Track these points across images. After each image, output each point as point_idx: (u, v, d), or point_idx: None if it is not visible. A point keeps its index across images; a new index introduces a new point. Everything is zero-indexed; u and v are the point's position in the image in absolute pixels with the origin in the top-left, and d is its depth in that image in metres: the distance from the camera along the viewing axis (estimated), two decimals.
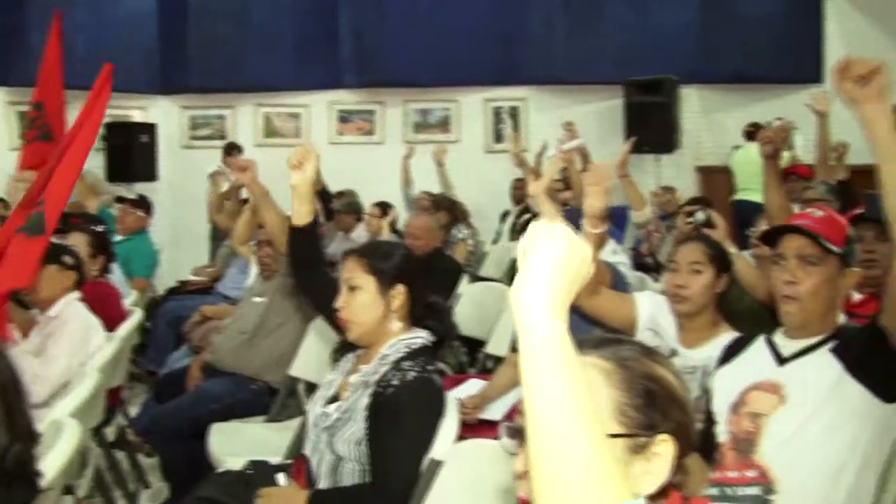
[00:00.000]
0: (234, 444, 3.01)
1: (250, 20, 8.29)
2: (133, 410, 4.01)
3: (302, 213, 2.44)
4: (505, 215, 7.19)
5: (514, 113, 8.65)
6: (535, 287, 0.89)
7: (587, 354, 1.06)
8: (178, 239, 7.85)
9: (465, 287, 4.35)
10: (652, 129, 7.87)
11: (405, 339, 2.15)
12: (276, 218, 2.97)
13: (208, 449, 3.03)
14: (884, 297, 1.60)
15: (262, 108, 8.51)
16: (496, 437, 2.60)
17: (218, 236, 6.47)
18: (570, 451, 0.81)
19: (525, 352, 0.86)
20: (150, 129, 7.92)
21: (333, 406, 2.14)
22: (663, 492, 1.02)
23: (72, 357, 2.99)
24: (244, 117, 8.50)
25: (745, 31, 8.53)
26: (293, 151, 2.45)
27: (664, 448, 1.00)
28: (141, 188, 7.07)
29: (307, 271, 2.52)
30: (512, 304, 0.89)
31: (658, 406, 1.02)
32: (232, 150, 7.50)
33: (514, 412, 2.82)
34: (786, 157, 5.71)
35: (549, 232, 0.93)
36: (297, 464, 2.26)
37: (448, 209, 6.16)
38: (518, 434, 1.02)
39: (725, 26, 8.52)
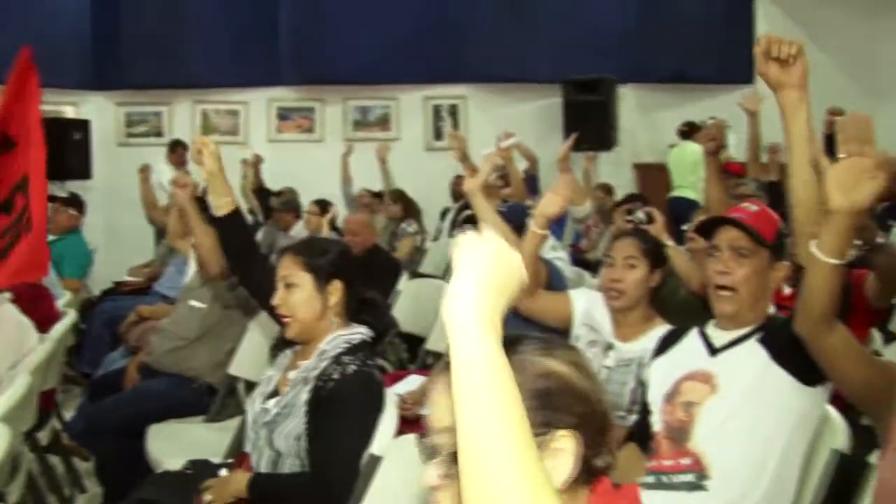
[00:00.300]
0: (173, 445, 2.97)
1: (187, 15, 8.16)
2: (68, 414, 3.92)
3: (219, 204, 2.46)
4: (445, 213, 7.23)
5: (453, 111, 8.69)
6: (464, 302, 0.88)
7: None
8: (114, 239, 7.69)
9: (404, 284, 4.36)
10: (590, 127, 7.99)
11: (344, 334, 2.16)
12: (206, 240, 3.04)
13: (146, 450, 2.99)
14: (796, 306, 1.67)
15: (200, 104, 8.40)
16: None
17: (160, 233, 6.37)
18: (502, 467, 0.81)
19: (456, 368, 0.86)
20: (83, 125, 7.72)
21: (273, 402, 2.14)
22: (588, 480, 1.03)
23: (2, 359, 2.92)
24: (182, 114, 8.37)
25: (680, 32, 8.73)
26: (193, 147, 2.50)
27: (565, 443, 1.01)
28: (74, 187, 6.90)
29: (241, 260, 2.53)
30: (443, 319, 0.88)
31: (553, 403, 1.02)
32: (177, 147, 7.37)
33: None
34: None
35: (476, 244, 0.92)
36: (240, 459, 2.26)
37: (405, 203, 6.31)
38: (433, 452, 1.02)
39: (662, 28, 8.70)
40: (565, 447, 1.01)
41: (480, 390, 0.84)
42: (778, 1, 9.06)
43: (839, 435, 1.90)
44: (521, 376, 1.01)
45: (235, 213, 2.50)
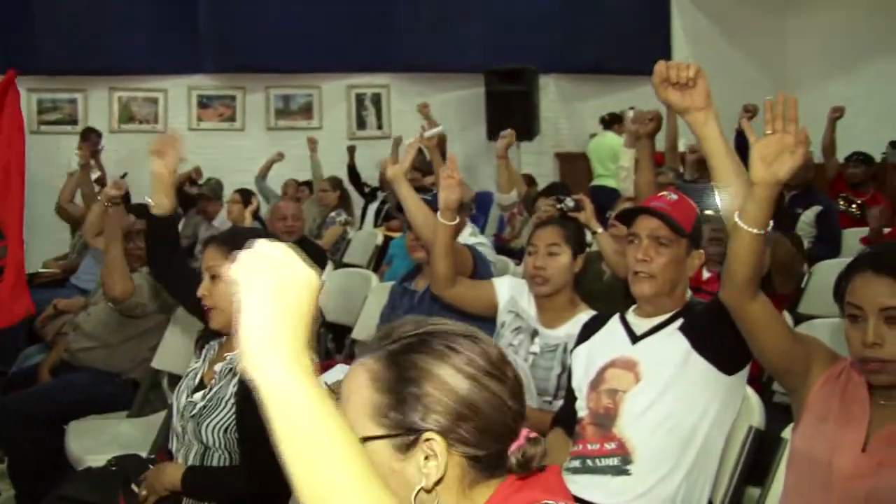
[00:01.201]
0: (95, 442, 2.91)
1: None
2: None
3: (163, 203, 2.40)
4: (374, 192, 7.20)
5: (376, 100, 8.66)
6: (261, 347, 0.81)
7: (368, 354, 1.06)
8: (26, 229, 7.40)
9: (330, 274, 4.34)
10: (512, 116, 8.08)
11: None
12: (119, 260, 3.09)
13: (66, 447, 2.91)
14: (722, 275, 1.74)
15: (117, 92, 8.13)
16: None
17: (73, 224, 6.16)
18: (321, 484, 0.80)
19: (273, 419, 0.81)
20: None
21: (199, 395, 2.11)
22: (488, 477, 1.04)
23: None
24: (98, 101, 8.08)
25: (601, 24, 8.90)
26: (156, 138, 2.40)
27: (431, 446, 1.00)
28: None
29: (164, 261, 2.48)
30: (242, 354, 0.82)
31: (421, 405, 1.01)
32: (89, 135, 7.13)
33: None
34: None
35: (255, 276, 0.82)
36: (160, 457, 2.22)
37: (341, 192, 6.35)
38: None
39: (583, 19, 8.85)
40: (435, 449, 1.00)
41: (302, 430, 0.80)
42: None
43: (755, 413, 1.99)
44: (391, 372, 1.03)
45: (172, 217, 2.45)
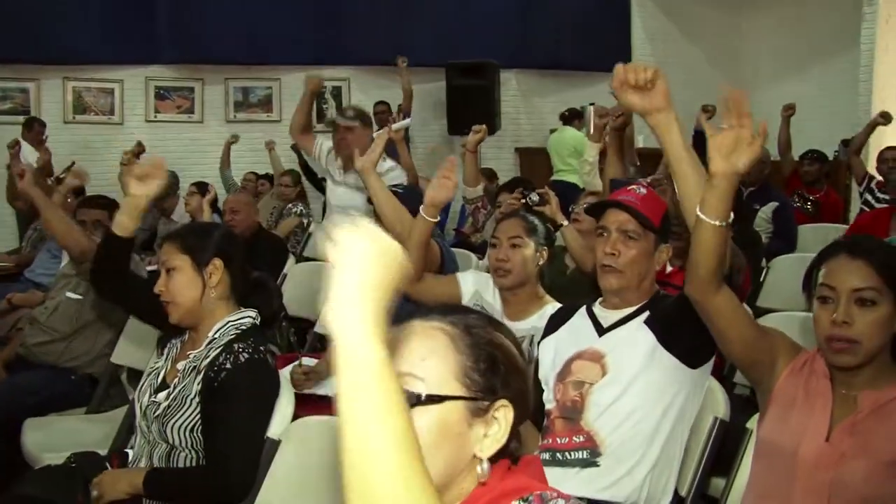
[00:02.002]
0: (52, 439, 2.85)
1: None
2: None
3: (128, 226, 2.31)
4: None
5: (337, 93, 8.61)
6: (347, 304, 0.85)
7: (436, 320, 1.08)
8: None
9: (291, 267, 4.31)
10: (473, 111, 8.09)
11: (232, 320, 2.12)
12: (62, 226, 3.04)
13: (23, 446, 2.84)
14: (686, 269, 1.77)
15: (71, 82, 7.94)
16: (330, 414, 2.63)
17: (25, 218, 6.03)
18: (383, 471, 0.82)
19: (342, 370, 0.85)
20: None
21: (163, 394, 2.08)
22: (495, 457, 1.06)
23: None
24: (50, 91, 7.88)
25: (561, 20, 8.97)
26: (145, 161, 2.32)
27: (503, 413, 1.04)
28: None
29: (111, 283, 2.40)
30: (326, 322, 0.86)
31: (500, 372, 1.05)
32: (33, 124, 6.96)
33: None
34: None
35: (354, 241, 0.88)
36: (113, 459, 2.19)
37: (302, 187, 6.44)
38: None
39: (543, 15, 8.91)
40: (502, 417, 1.04)
41: (366, 391, 0.83)
42: None
43: (720, 404, 2.03)
44: (472, 339, 1.06)
45: (130, 241, 2.35)
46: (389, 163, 3.85)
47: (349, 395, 0.84)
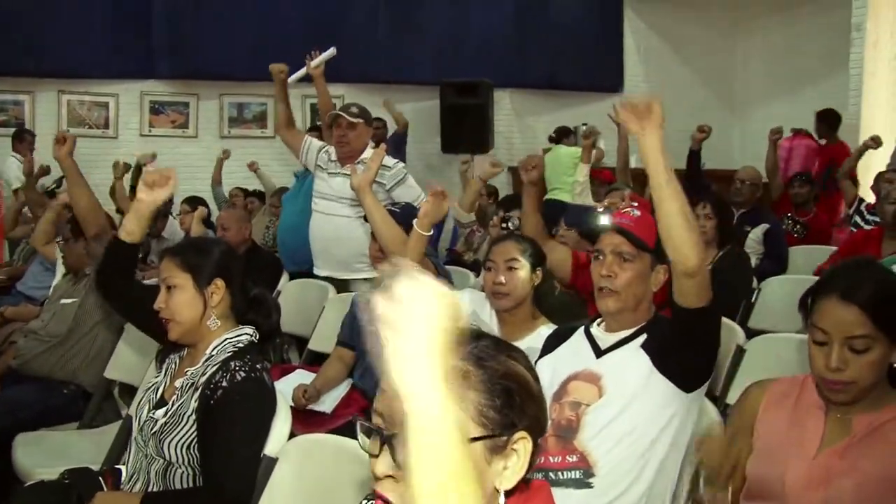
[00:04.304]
0: (45, 455, 2.83)
1: None
2: None
3: (134, 231, 2.32)
4: None
5: None
6: (419, 368, 0.84)
7: None
8: None
9: (285, 283, 4.31)
10: (467, 129, 8.17)
11: (230, 337, 2.11)
12: (87, 200, 3.04)
13: (14, 462, 2.82)
14: (672, 281, 1.81)
15: (66, 95, 7.96)
16: (326, 431, 2.64)
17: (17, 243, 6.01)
18: None
19: (418, 436, 0.84)
20: None
21: (161, 411, 2.07)
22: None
23: None
24: (45, 104, 7.90)
25: (555, 40, 9.05)
26: (154, 170, 2.33)
27: (522, 445, 1.03)
28: None
29: (117, 288, 2.40)
30: (396, 382, 0.84)
31: (515, 405, 1.04)
32: (24, 136, 6.95)
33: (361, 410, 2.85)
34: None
35: (419, 298, 0.85)
36: (106, 476, 2.18)
37: None
38: (375, 433, 1.03)
39: (538, 35, 8.98)
40: (521, 449, 1.03)
41: (442, 453, 0.83)
42: (644, 17, 9.53)
43: (714, 423, 2.04)
44: (485, 373, 1.04)
45: (136, 246, 2.36)
46: (391, 160, 3.84)
47: (426, 457, 0.83)
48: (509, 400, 1.04)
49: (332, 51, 4.69)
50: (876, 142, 5.75)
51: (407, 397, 0.84)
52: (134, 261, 2.41)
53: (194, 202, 5.71)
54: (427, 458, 0.83)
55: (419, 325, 0.84)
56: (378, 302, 0.85)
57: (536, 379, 1.10)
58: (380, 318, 0.84)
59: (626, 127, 1.86)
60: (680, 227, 1.81)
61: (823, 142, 7.03)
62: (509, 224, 3.47)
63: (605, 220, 3.36)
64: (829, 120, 6.95)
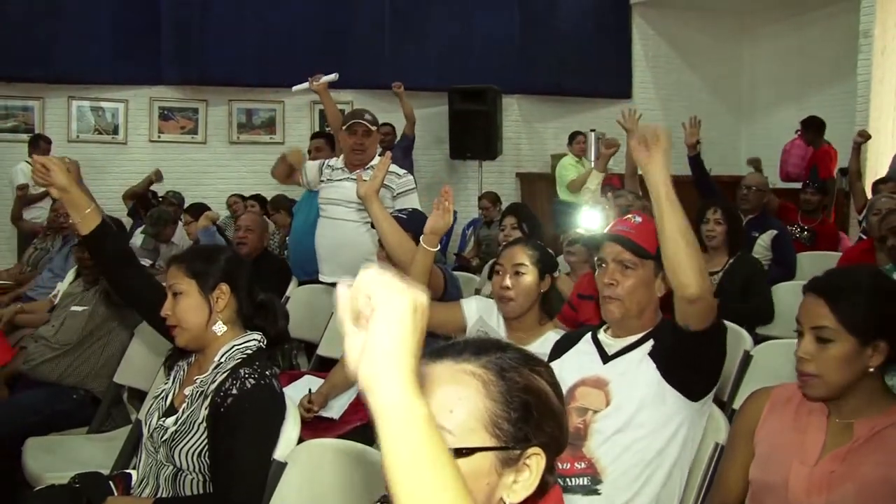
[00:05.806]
0: (54, 460, 2.84)
1: (62, 5, 7.72)
2: None
3: (82, 219, 2.30)
4: None
5: None
6: (388, 364, 0.83)
7: (468, 362, 1.05)
8: None
9: (293, 290, 4.33)
10: (475, 136, 8.18)
11: (238, 344, 2.11)
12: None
13: (24, 466, 2.83)
14: (674, 303, 1.81)
15: (76, 101, 7.99)
16: (334, 437, 2.64)
17: (26, 237, 6.05)
18: None
19: (385, 433, 0.83)
20: None
21: (171, 419, 2.07)
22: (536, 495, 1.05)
23: None
24: (55, 110, 7.93)
25: (563, 46, 9.05)
26: (38, 166, 2.30)
27: (534, 461, 1.02)
28: None
29: (117, 270, 2.40)
30: (361, 379, 0.84)
31: (532, 419, 1.03)
32: (38, 142, 7.00)
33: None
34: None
35: (387, 293, 0.85)
36: (117, 481, 2.19)
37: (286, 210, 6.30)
38: None
39: (545, 41, 8.99)
40: (533, 465, 1.03)
41: (412, 447, 0.82)
42: (652, 22, 9.53)
43: (721, 430, 2.04)
44: (505, 385, 1.03)
45: (102, 226, 2.32)
46: (401, 170, 3.86)
47: (396, 452, 0.82)
48: (526, 414, 1.03)
49: (334, 75, 4.75)
50: (863, 136, 5.86)
51: (372, 389, 0.83)
52: (116, 239, 2.40)
53: (196, 211, 5.73)
54: (398, 451, 0.82)
55: (389, 321, 0.83)
56: (344, 295, 0.85)
57: (560, 396, 1.09)
58: (345, 310, 0.85)
59: (635, 157, 1.89)
60: (680, 249, 1.81)
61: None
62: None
63: (595, 220, 3.41)
64: (814, 126, 7.11)
